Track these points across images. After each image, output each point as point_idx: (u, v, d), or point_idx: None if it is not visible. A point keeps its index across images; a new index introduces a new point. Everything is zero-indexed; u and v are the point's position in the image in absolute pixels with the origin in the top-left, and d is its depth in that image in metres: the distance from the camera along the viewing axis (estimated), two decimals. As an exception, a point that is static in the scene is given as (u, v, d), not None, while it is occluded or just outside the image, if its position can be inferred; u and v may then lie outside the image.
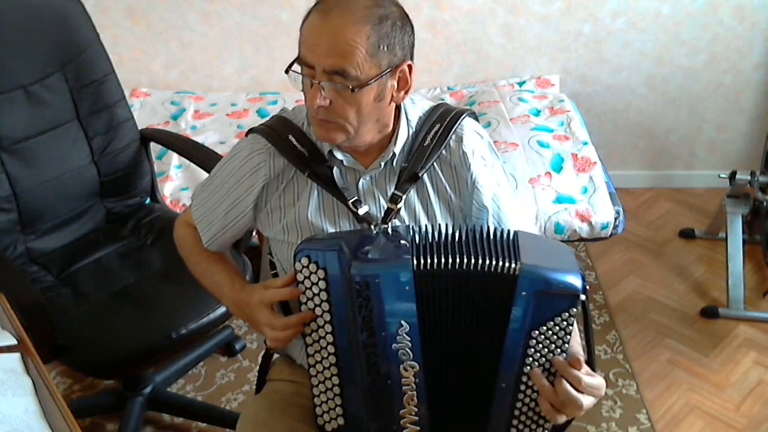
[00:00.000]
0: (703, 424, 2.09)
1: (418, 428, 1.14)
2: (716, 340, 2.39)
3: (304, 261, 1.10)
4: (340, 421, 1.16)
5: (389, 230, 1.16)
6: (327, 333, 1.12)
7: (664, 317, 2.49)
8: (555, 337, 1.07)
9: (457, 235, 1.12)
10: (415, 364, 1.09)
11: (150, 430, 2.09)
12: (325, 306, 1.11)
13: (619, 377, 2.23)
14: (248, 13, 2.92)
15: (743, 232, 2.58)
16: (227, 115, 2.89)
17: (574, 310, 1.06)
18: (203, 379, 2.26)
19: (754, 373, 2.26)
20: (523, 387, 1.10)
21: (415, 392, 1.11)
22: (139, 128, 2.09)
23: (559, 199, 2.37)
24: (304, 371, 1.30)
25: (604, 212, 2.34)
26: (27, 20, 1.83)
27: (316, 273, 1.09)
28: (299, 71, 1.14)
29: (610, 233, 2.36)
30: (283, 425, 1.25)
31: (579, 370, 1.07)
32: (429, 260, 1.07)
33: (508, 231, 1.14)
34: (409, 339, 1.08)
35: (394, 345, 1.08)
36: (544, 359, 1.09)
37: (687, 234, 2.89)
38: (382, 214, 1.24)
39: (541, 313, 1.06)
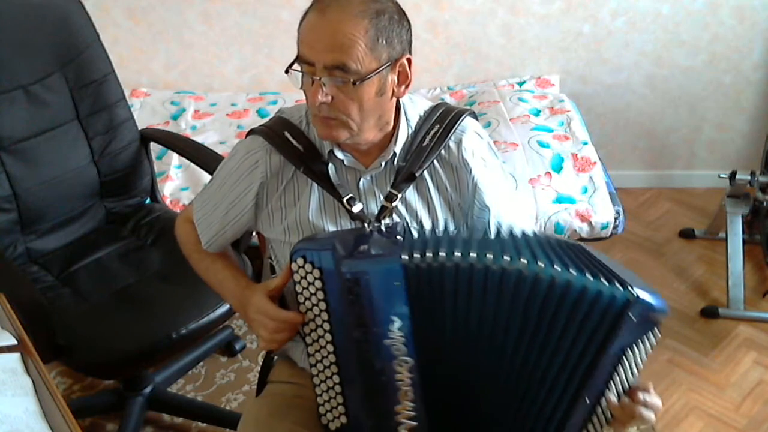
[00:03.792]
0: (703, 424, 2.09)
1: (416, 424, 1.13)
2: (716, 340, 2.39)
3: (300, 261, 1.10)
4: (343, 419, 1.16)
5: (383, 227, 1.17)
6: (325, 332, 1.12)
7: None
8: (639, 356, 1.07)
9: (471, 234, 1.12)
10: (409, 359, 1.09)
11: (150, 430, 2.09)
12: (322, 305, 1.11)
13: (619, 377, 2.23)
14: (248, 13, 2.92)
15: (743, 232, 2.58)
16: (227, 115, 2.89)
17: (657, 331, 1.06)
18: (203, 379, 2.26)
19: (754, 373, 2.26)
20: (603, 402, 1.08)
21: (410, 388, 1.11)
22: (139, 128, 2.09)
23: (559, 199, 2.37)
24: (304, 372, 1.30)
25: (604, 212, 2.34)
26: (27, 20, 1.83)
27: (311, 273, 1.10)
28: (299, 70, 1.14)
29: (610, 233, 2.36)
30: (285, 427, 1.25)
31: (650, 393, 1.08)
32: (422, 255, 1.06)
33: (577, 242, 1.12)
34: (401, 334, 1.08)
35: (386, 341, 1.08)
36: (625, 376, 1.08)
37: (687, 234, 2.89)
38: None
39: (637, 334, 1.05)
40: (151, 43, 2.98)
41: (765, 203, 2.61)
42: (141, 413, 2.01)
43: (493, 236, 1.13)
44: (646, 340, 1.06)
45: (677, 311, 2.52)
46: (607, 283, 1.02)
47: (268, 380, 1.40)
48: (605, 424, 1.11)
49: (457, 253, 1.05)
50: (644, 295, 1.02)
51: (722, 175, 2.60)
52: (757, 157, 2.94)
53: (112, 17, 2.90)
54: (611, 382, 1.07)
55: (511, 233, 1.13)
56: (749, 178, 2.54)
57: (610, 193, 2.41)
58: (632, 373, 1.08)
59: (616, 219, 2.35)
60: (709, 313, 2.47)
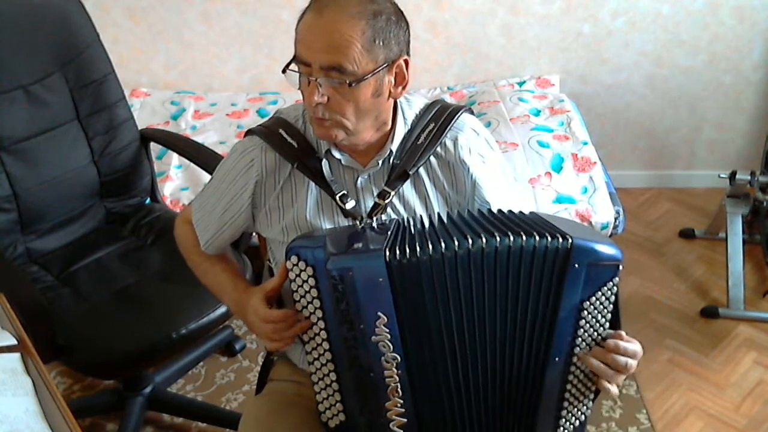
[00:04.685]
0: (703, 424, 2.09)
1: (405, 420, 1.14)
2: (716, 340, 2.39)
3: (294, 260, 1.10)
4: (342, 417, 1.17)
5: (374, 225, 1.18)
6: (321, 329, 1.12)
7: (664, 317, 2.49)
8: (601, 306, 1.11)
9: (456, 220, 1.14)
10: (396, 356, 1.10)
11: (150, 430, 2.09)
12: (317, 303, 1.11)
13: (619, 377, 2.23)
14: (248, 13, 2.93)
15: (743, 232, 2.58)
16: (227, 115, 2.89)
17: (617, 279, 1.10)
18: (203, 379, 2.26)
19: (754, 373, 2.26)
20: (575, 359, 1.13)
21: (398, 384, 1.11)
22: (139, 128, 2.09)
23: (559, 199, 2.37)
24: (304, 372, 1.30)
25: (604, 212, 2.34)
26: (27, 20, 1.83)
27: (305, 270, 1.10)
28: (296, 70, 1.14)
29: (610, 233, 2.36)
30: (285, 425, 1.26)
31: (624, 340, 1.12)
32: (402, 251, 1.07)
33: (529, 212, 1.17)
34: (387, 331, 1.08)
35: (373, 337, 1.09)
36: (592, 329, 1.11)
37: (687, 234, 2.89)
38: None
39: (590, 285, 1.09)
40: (151, 43, 2.98)
41: (765, 203, 2.61)
42: (141, 413, 2.01)
43: (457, 221, 1.15)
44: (606, 290, 1.10)
45: (677, 311, 2.52)
46: (550, 239, 1.07)
47: (269, 379, 1.40)
48: (586, 380, 1.15)
49: (430, 246, 1.07)
50: (583, 243, 1.07)
51: (722, 175, 2.60)
52: (757, 157, 2.94)
53: (112, 17, 2.90)
54: (578, 338, 1.11)
55: (469, 215, 1.16)
56: (749, 178, 2.54)
57: (610, 193, 2.41)
58: (600, 325, 1.12)
59: (616, 219, 2.35)
60: (709, 313, 2.47)
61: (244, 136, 1.29)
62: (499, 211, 1.18)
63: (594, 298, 1.10)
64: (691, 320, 2.48)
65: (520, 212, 1.18)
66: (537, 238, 1.07)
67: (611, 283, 1.10)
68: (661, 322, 2.47)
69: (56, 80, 1.89)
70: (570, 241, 1.07)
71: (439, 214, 1.18)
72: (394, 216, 1.25)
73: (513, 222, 1.13)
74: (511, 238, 1.07)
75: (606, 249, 1.09)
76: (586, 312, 1.10)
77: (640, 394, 2.18)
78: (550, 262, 1.08)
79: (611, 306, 1.12)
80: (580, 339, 1.12)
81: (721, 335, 2.41)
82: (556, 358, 1.12)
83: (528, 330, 1.11)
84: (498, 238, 1.07)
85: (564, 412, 1.17)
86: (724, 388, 2.21)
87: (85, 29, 1.91)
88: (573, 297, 1.09)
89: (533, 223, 1.12)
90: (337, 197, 1.22)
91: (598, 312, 1.11)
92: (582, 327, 1.11)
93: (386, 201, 1.23)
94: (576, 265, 1.07)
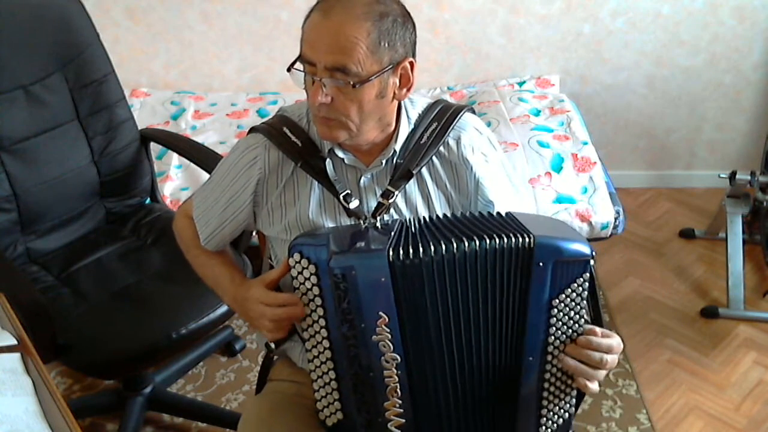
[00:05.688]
0: (703, 424, 2.09)
1: (403, 420, 1.14)
2: (716, 340, 2.39)
3: (297, 257, 1.10)
4: (339, 415, 1.17)
5: (378, 224, 1.18)
6: (321, 327, 1.12)
7: (664, 317, 2.50)
8: (573, 303, 1.10)
9: (445, 222, 1.14)
10: (396, 356, 1.10)
11: (150, 430, 2.09)
12: (318, 300, 1.11)
13: (619, 377, 2.23)
14: (248, 13, 2.93)
15: (743, 232, 2.58)
16: (227, 115, 2.89)
17: (587, 275, 1.09)
18: (203, 379, 2.26)
19: (754, 373, 2.26)
20: (549, 357, 1.12)
21: (398, 385, 1.11)
22: (139, 128, 2.10)
23: (559, 199, 2.37)
24: (304, 371, 1.30)
25: (604, 212, 2.34)
26: (27, 20, 1.83)
27: (307, 268, 1.10)
28: (301, 69, 1.14)
29: (610, 233, 2.36)
30: (285, 425, 1.26)
31: (597, 336, 1.11)
32: (405, 251, 1.07)
33: (505, 213, 1.17)
34: (388, 331, 1.08)
35: (373, 337, 1.09)
36: (565, 327, 1.11)
37: (687, 234, 2.89)
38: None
39: (558, 282, 1.08)
40: (151, 43, 2.98)
41: (765, 203, 2.61)
42: (141, 413, 2.01)
43: (451, 221, 1.16)
44: (576, 286, 1.09)
45: (677, 311, 2.52)
46: (513, 238, 1.08)
47: (269, 378, 1.40)
48: (565, 377, 1.14)
49: (432, 247, 1.07)
50: (545, 241, 1.07)
51: (722, 175, 2.60)
52: (757, 157, 2.94)
53: (112, 17, 2.90)
54: (551, 336, 1.11)
55: (461, 216, 1.17)
56: (749, 178, 2.54)
57: (610, 193, 2.41)
58: (575, 321, 1.11)
59: (616, 219, 2.35)
60: (709, 313, 2.47)
61: (248, 134, 1.29)
62: (471, 213, 1.18)
63: (564, 296, 1.09)
64: (691, 320, 2.48)
65: (498, 213, 1.18)
66: (511, 237, 1.07)
67: (581, 279, 1.09)
68: (661, 322, 2.47)
69: (56, 80, 1.89)
70: (531, 239, 1.07)
71: (424, 217, 1.18)
72: (396, 216, 1.25)
73: (479, 224, 1.13)
74: (496, 239, 1.07)
75: (572, 246, 1.08)
76: (556, 310, 1.10)
77: (640, 394, 2.18)
78: (516, 261, 1.08)
79: (584, 302, 1.11)
80: (553, 337, 1.11)
81: (721, 335, 2.41)
82: (530, 357, 1.12)
83: (502, 330, 1.12)
84: (487, 239, 1.08)
85: (544, 411, 1.16)
86: (724, 388, 2.21)
87: (85, 29, 1.91)
88: (541, 295, 1.09)
89: (500, 224, 1.12)
90: (341, 197, 1.22)
91: (571, 309, 1.10)
92: (554, 325, 1.11)
93: (390, 201, 1.23)
94: (540, 264, 1.07)
